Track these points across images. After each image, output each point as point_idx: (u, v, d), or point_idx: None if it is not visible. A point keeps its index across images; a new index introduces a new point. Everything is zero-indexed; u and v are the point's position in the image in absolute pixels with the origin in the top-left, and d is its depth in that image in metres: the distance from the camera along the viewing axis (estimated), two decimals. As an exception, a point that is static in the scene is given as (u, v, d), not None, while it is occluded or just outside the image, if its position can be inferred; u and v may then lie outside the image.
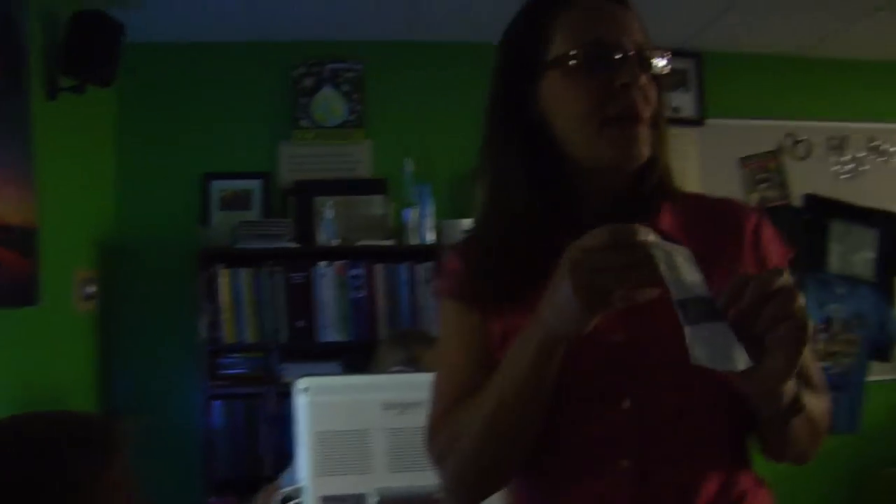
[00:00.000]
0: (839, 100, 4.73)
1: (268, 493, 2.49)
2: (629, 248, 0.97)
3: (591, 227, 1.01)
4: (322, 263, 3.92)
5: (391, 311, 3.93)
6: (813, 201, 4.64)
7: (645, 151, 1.22)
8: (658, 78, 1.25)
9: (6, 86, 2.94)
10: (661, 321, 1.07)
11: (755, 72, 4.64)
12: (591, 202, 1.28)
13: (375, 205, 4.09)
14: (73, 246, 3.63)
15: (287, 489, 1.98)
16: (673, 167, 1.32)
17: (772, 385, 1.03)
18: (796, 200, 4.63)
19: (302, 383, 1.92)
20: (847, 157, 4.73)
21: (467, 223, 3.55)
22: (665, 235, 1.03)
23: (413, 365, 2.49)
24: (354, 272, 3.93)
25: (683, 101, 4.49)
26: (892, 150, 4.77)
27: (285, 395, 2.60)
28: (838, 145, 4.72)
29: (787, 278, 0.98)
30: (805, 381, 1.17)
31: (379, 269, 3.95)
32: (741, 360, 0.96)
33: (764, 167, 4.63)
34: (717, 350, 0.95)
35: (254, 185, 4.14)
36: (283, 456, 3.23)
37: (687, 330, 0.96)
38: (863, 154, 4.74)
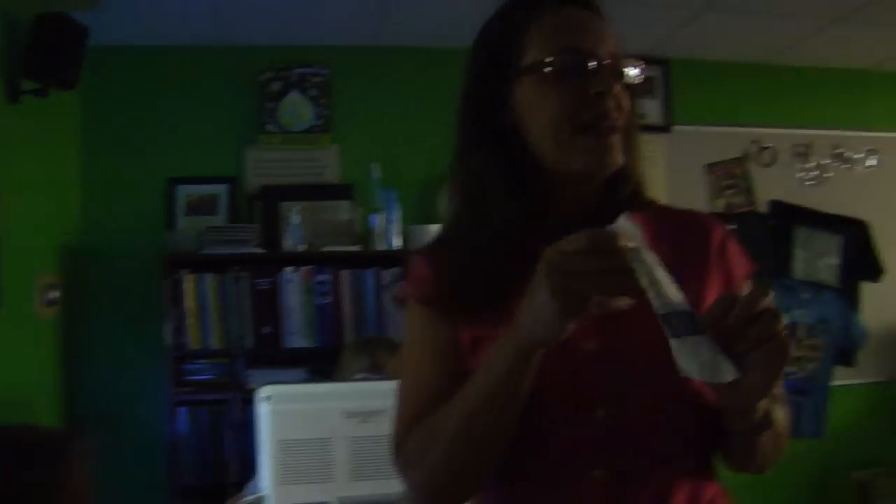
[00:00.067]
0: (804, 107, 4.79)
1: (233, 503, 2.47)
2: (608, 253, 0.97)
3: (564, 234, 1.01)
4: (288, 269, 3.90)
5: (357, 316, 3.93)
6: (778, 208, 4.68)
7: (618, 159, 1.23)
8: (631, 87, 1.26)
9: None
10: (637, 331, 1.08)
11: (722, 79, 4.68)
12: (564, 209, 1.28)
13: (342, 210, 4.08)
14: (36, 251, 3.60)
15: (249, 498, 1.96)
16: (644, 176, 1.33)
17: (748, 401, 1.05)
18: (762, 207, 4.67)
19: (264, 391, 1.90)
20: (812, 164, 4.77)
21: (434, 229, 3.55)
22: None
23: (377, 372, 2.48)
24: (321, 278, 3.91)
25: (650, 108, 4.51)
26: (855, 157, 4.82)
27: (251, 402, 2.57)
28: (803, 152, 4.76)
29: (770, 300, 0.99)
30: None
31: (345, 274, 3.94)
32: (728, 372, 0.97)
33: (730, 173, 4.66)
34: (703, 362, 0.97)
35: (220, 189, 4.12)
36: (249, 463, 3.20)
37: (673, 342, 0.97)
38: (827, 161, 4.79)
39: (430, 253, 1.35)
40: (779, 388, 1.27)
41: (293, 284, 3.89)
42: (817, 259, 4.70)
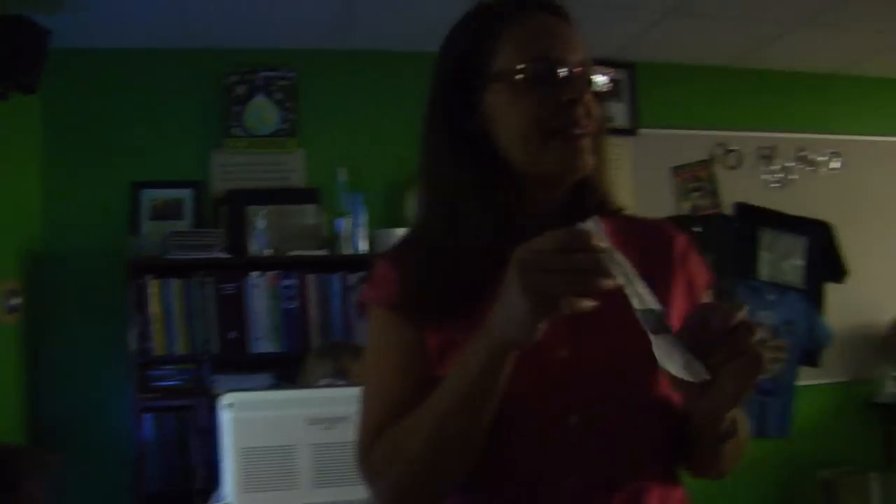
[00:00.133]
0: (769, 110, 4.83)
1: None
2: (581, 251, 0.97)
3: (533, 238, 1.01)
4: (254, 274, 3.88)
5: (324, 321, 3.91)
6: (743, 210, 4.72)
7: (589, 162, 1.24)
8: (599, 94, 1.27)
9: (-76, 93, 2.86)
10: (608, 338, 1.09)
11: (687, 82, 4.71)
12: (533, 213, 1.28)
13: (308, 214, 4.06)
14: (-3, 257, 3.56)
15: (212, 506, 1.95)
16: (611, 182, 1.34)
17: (718, 410, 1.08)
18: (727, 209, 4.71)
19: (226, 399, 1.89)
20: (776, 167, 4.82)
21: (401, 232, 3.54)
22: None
23: (342, 377, 2.47)
24: (286, 282, 3.89)
25: (617, 111, 4.53)
26: (819, 159, 4.87)
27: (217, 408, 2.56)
28: (768, 155, 4.80)
29: (746, 313, 1.01)
30: None
31: (311, 279, 3.92)
32: (703, 372, 1.00)
33: (696, 176, 4.69)
34: (679, 360, 1.00)
35: (185, 194, 4.08)
36: (216, 469, 3.18)
37: (653, 339, 0.99)
38: (792, 163, 4.84)
39: (395, 256, 1.34)
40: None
41: (259, 289, 3.87)
42: (782, 260, 4.74)
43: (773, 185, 4.80)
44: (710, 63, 4.69)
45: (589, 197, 1.30)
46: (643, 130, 4.61)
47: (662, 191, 4.63)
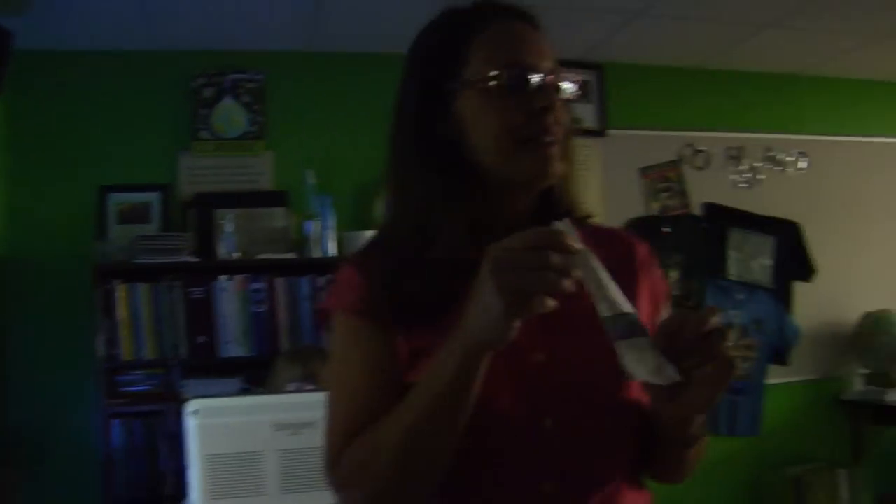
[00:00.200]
0: (737, 111, 4.87)
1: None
2: (554, 249, 0.97)
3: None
4: (222, 277, 3.85)
5: (293, 324, 3.89)
6: (712, 210, 4.75)
7: (559, 169, 1.25)
8: (567, 101, 1.27)
9: None
10: (582, 340, 1.10)
11: (655, 83, 4.73)
12: (501, 219, 1.27)
13: (276, 217, 4.04)
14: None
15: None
16: (578, 189, 1.36)
17: (688, 414, 1.11)
18: (696, 209, 4.73)
19: (192, 405, 1.88)
20: (745, 167, 4.85)
21: (370, 235, 3.53)
22: None
23: (311, 381, 2.46)
24: (255, 286, 3.87)
25: (585, 112, 4.54)
26: (787, 159, 4.91)
27: (186, 413, 2.55)
28: (736, 155, 4.84)
29: (719, 319, 1.04)
30: None
31: (280, 282, 3.90)
32: (672, 374, 1.01)
33: (664, 177, 4.71)
34: (648, 364, 1.00)
35: (152, 197, 4.04)
36: (185, 475, 3.16)
37: (618, 345, 1.00)
38: (759, 164, 4.87)
39: (360, 262, 1.32)
40: None
41: (228, 293, 3.84)
42: (751, 260, 4.77)
43: (741, 184, 4.84)
44: (678, 64, 4.72)
45: (557, 203, 1.31)
46: (612, 131, 4.62)
47: (631, 191, 4.65)
